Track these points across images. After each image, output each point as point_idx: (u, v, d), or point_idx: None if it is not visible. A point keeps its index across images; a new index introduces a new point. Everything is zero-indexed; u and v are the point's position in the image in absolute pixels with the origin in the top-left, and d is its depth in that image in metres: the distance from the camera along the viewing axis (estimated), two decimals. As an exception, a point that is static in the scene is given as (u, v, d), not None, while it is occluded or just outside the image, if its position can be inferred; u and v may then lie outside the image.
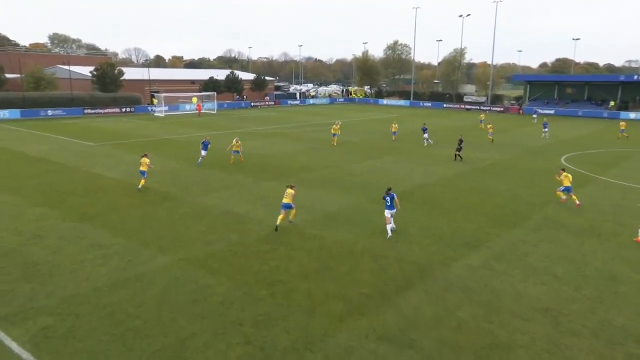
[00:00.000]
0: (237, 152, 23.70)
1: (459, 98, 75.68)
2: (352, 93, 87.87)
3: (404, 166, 23.94)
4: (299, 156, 26.11)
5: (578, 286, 11.17)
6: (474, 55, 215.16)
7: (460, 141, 25.71)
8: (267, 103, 72.11)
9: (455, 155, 25.22)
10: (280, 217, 14.10)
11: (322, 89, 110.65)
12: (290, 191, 14.36)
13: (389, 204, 14.07)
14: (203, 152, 22.95)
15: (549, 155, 28.02)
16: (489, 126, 33.87)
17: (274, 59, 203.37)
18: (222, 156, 25.33)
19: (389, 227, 13.74)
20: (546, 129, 34.94)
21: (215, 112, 58.16)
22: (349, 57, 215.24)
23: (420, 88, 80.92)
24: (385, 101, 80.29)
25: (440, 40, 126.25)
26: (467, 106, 69.63)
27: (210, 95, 61.66)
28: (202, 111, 55.41)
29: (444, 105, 71.87)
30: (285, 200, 14.25)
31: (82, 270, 11.54)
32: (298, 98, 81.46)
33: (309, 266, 11.75)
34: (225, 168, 22.46)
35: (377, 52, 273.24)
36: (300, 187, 18.98)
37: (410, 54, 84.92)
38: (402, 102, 78.20)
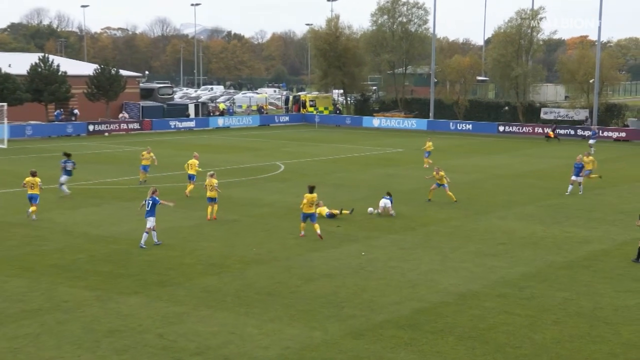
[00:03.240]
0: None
1: (531, 113, 79.49)
2: (307, 104, 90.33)
3: (421, 255, 24.80)
4: (196, 239, 26.84)
5: None
6: (560, 27, 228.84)
7: None
8: (123, 125, 72.53)
9: None
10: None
11: (244, 97, 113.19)
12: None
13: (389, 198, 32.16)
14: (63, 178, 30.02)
15: None
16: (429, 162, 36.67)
17: (138, 32, 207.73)
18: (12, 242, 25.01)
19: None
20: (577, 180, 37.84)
21: (4, 145, 58.38)
22: (300, 32, 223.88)
23: (447, 94, 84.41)
24: (376, 121, 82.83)
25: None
26: (549, 129, 72.95)
27: (-4, 110, 61.64)
28: None
29: (500, 129, 75.02)
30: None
31: None
32: (193, 115, 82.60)
33: None
34: (30, 268, 22.35)
35: (359, 21, 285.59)
36: (202, 307, 19.07)
37: (427, 23, 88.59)
38: (411, 121, 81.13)
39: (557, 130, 71.05)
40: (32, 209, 29.53)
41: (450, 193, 34.89)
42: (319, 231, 26.61)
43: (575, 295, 20.67)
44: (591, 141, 59.86)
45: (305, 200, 26.72)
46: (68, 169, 35.09)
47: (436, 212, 32.65)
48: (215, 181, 30.01)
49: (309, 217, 26.83)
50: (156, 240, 25.69)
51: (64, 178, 35.12)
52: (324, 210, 30.50)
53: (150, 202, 25.40)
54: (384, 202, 31.67)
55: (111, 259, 23.98)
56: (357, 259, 24.22)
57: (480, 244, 26.64)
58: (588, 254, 25.34)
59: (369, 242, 26.64)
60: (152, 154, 39.57)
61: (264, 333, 17.29)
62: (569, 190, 37.08)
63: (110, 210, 32.31)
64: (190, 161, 36.42)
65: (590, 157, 39.89)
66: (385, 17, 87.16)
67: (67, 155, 35.66)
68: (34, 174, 29.86)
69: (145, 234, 25.57)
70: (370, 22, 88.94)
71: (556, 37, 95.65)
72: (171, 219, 30.34)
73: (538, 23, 78.16)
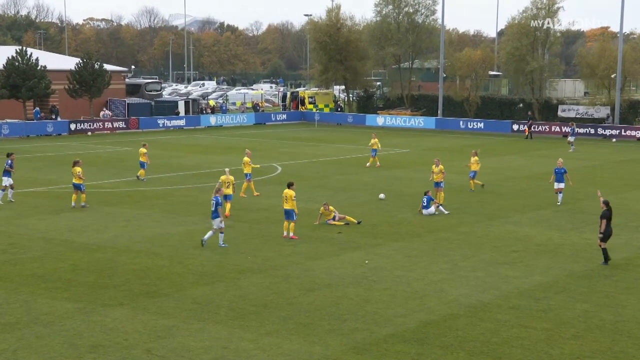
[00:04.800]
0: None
1: (547, 110, 79.53)
2: (306, 101, 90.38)
3: (429, 264, 24.84)
4: (187, 246, 26.97)
5: None
6: (578, 17, 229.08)
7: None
8: (108, 124, 72.53)
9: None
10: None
11: (238, 93, 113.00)
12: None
13: (425, 204, 32.65)
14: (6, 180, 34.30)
15: None
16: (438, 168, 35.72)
17: (123, 23, 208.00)
18: None
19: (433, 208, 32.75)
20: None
21: (-19, 145, 58.12)
22: (298, 23, 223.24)
23: (457, 90, 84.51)
24: (381, 119, 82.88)
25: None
26: (568, 127, 72.69)
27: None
28: None
29: (514, 127, 75.08)
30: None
31: None
32: (183, 112, 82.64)
33: None
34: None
35: (362, 11, 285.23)
36: (193, 320, 19.05)
37: (435, 14, 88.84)
38: (418, 120, 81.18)
39: (535, 127, 72.12)
40: (74, 196, 33.51)
41: (443, 194, 35.01)
42: (291, 233, 28.07)
43: (596, 307, 20.67)
44: (570, 138, 60.03)
45: (283, 197, 28.29)
46: (6, 169, 34.96)
47: (445, 217, 32.66)
48: (232, 178, 32.11)
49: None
50: (221, 243, 26.69)
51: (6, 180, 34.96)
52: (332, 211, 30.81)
53: (214, 201, 26.45)
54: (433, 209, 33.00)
55: (95, 268, 23.91)
56: (360, 268, 24.22)
57: (492, 251, 26.65)
58: (609, 263, 25.33)
59: (372, 250, 26.66)
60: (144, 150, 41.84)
61: (260, 348, 17.28)
62: (559, 200, 35.81)
63: (94, 215, 32.30)
64: (244, 159, 37.82)
65: (476, 158, 39.24)
66: (390, 7, 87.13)
67: (8, 155, 35.68)
68: (75, 163, 33.63)
69: (221, 234, 26.64)
70: (374, 12, 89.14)
71: (575, 28, 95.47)
72: (159, 225, 30.40)
73: (555, 12, 77.84)
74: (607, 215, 24.90)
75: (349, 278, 23.06)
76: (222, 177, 31.98)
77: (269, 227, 29.96)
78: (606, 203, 25.23)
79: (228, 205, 31.74)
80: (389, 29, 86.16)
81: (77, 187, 33.46)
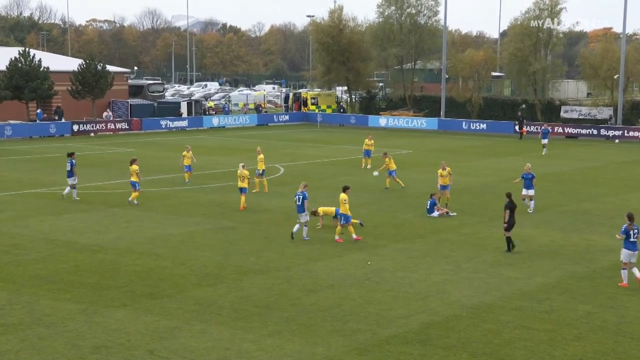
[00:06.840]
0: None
1: (550, 111, 79.51)
2: (309, 102, 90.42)
3: (432, 265, 24.88)
4: (189, 247, 27.05)
5: None
6: (581, 17, 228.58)
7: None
8: (110, 125, 72.57)
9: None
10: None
11: (241, 94, 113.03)
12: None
13: (428, 208, 33.00)
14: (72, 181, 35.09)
15: None
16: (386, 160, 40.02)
17: (126, 24, 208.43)
18: None
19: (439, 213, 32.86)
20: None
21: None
22: (300, 24, 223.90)
23: (460, 91, 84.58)
24: (383, 120, 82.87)
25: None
26: (571, 128, 73.36)
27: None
28: None
29: (516, 128, 75.10)
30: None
31: None
32: (185, 114, 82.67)
33: None
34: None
35: (364, 12, 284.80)
36: (195, 321, 19.06)
37: (438, 15, 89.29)
38: (420, 121, 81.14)
39: (527, 127, 72.29)
40: (133, 195, 34.49)
41: (448, 195, 34.91)
42: (354, 235, 28.01)
43: (598, 308, 20.71)
44: (544, 141, 59.10)
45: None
46: (67, 169, 35.40)
47: (447, 218, 32.68)
48: (247, 172, 33.90)
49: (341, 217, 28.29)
50: (305, 236, 27.81)
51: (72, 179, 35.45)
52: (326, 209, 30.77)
53: (301, 197, 27.59)
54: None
55: (97, 269, 23.98)
56: (362, 269, 24.26)
57: (495, 252, 26.67)
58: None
59: (375, 251, 26.69)
60: (191, 153, 41.62)
61: (263, 349, 17.32)
62: (531, 208, 34.02)
63: (96, 216, 32.33)
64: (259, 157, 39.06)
65: (389, 157, 39.94)
66: (393, 8, 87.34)
67: (69, 155, 36.02)
68: (132, 162, 34.75)
69: (297, 225, 27.83)
70: (377, 13, 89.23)
71: (577, 29, 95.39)
72: (160, 226, 30.42)
73: (557, 13, 77.96)
74: (509, 206, 26.21)
75: (351, 279, 23.09)
76: (238, 172, 34.09)
77: (271, 229, 30.00)
78: (508, 195, 26.59)
79: (243, 198, 33.67)
80: (391, 30, 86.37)
81: (132, 185, 34.49)
